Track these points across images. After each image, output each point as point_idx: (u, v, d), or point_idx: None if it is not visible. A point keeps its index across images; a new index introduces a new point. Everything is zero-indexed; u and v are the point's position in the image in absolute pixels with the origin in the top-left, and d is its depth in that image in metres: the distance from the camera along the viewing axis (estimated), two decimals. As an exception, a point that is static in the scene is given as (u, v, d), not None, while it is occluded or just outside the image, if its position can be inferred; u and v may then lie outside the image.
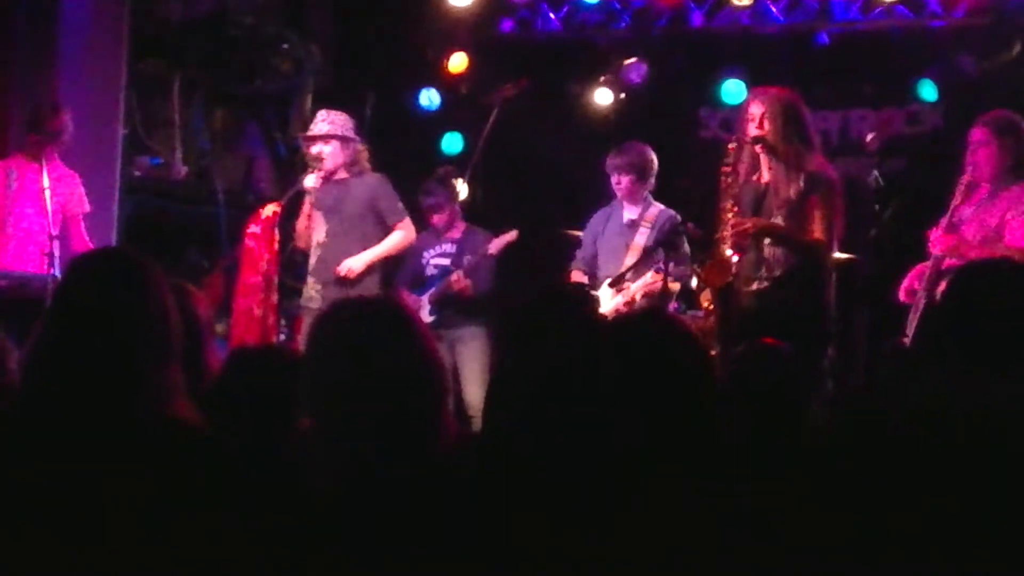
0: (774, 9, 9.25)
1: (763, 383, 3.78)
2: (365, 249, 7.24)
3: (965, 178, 5.97)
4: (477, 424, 3.65)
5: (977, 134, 5.96)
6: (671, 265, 6.74)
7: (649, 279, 6.89)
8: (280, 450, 3.39)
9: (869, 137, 6.57)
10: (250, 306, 7.02)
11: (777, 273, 5.90)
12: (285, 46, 9.37)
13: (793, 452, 2.13)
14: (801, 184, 5.87)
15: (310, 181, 7.24)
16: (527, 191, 9.61)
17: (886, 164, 6.92)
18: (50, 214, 6.86)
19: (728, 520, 2.08)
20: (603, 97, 9.55)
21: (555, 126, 9.58)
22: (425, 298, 7.75)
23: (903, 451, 2.07)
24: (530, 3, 9.82)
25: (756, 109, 5.99)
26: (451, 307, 7.73)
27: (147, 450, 2.37)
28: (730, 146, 6.08)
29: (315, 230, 7.30)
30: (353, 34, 10.02)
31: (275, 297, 7.04)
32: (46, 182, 6.92)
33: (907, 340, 5.98)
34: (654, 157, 7.31)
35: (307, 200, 7.31)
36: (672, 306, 7.10)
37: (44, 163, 6.96)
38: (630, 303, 7.05)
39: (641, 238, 7.13)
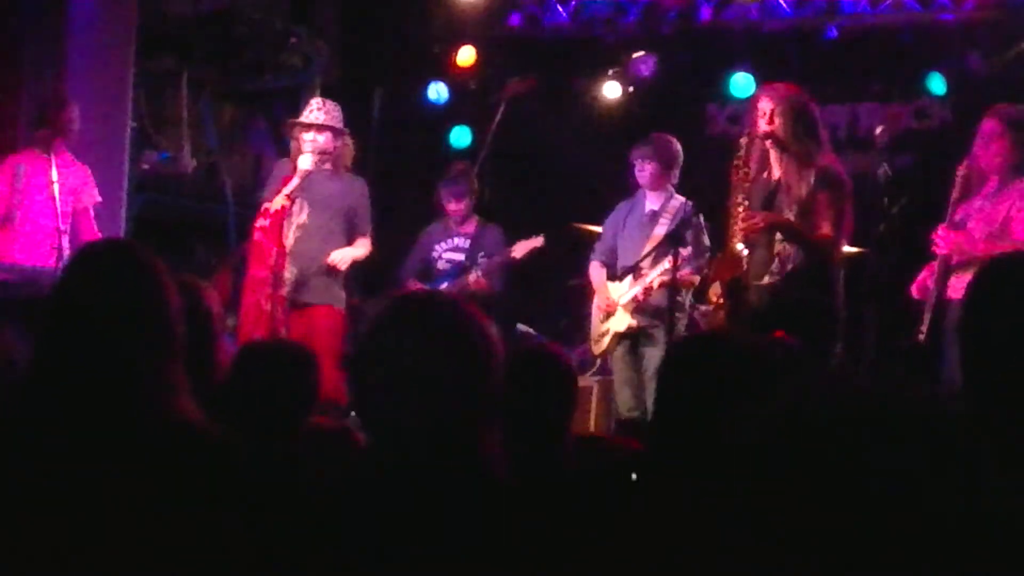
0: (783, 3, 9.24)
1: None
2: (332, 245, 7.20)
3: (962, 169, 5.94)
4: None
5: (989, 125, 5.91)
6: (686, 252, 6.75)
7: (666, 266, 6.89)
8: (289, 445, 3.39)
9: (877, 131, 6.55)
10: (258, 300, 7.00)
11: (787, 268, 5.89)
12: (293, 42, 9.38)
13: (793, 452, 2.12)
14: (812, 181, 5.86)
15: (306, 162, 7.10)
16: (535, 185, 9.61)
17: (894, 159, 6.90)
18: (59, 208, 6.88)
19: (728, 520, 2.06)
20: (611, 91, 9.54)
21: (563, 120, 9.58)
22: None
23: (903, 451, 2.06)
24: (538, -3, 9.83)
25: (765, 105, 5.98)
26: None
27: (148, 448, 2.35)
28: (741, 140, 6.08)
29: (295, 213, 7.14)
30: (360, 29, 10.03)
31: (283, 291, 7.03)
32: (55, 176, 6.93)
33: (922, 337, 5.96)
34: (679, 149, 7.30)
35: (296, 182, 7.09)
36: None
37: (53, 157, 6.98)
38: (648, 291, 7.05)
39: (661, 229, 7.10)
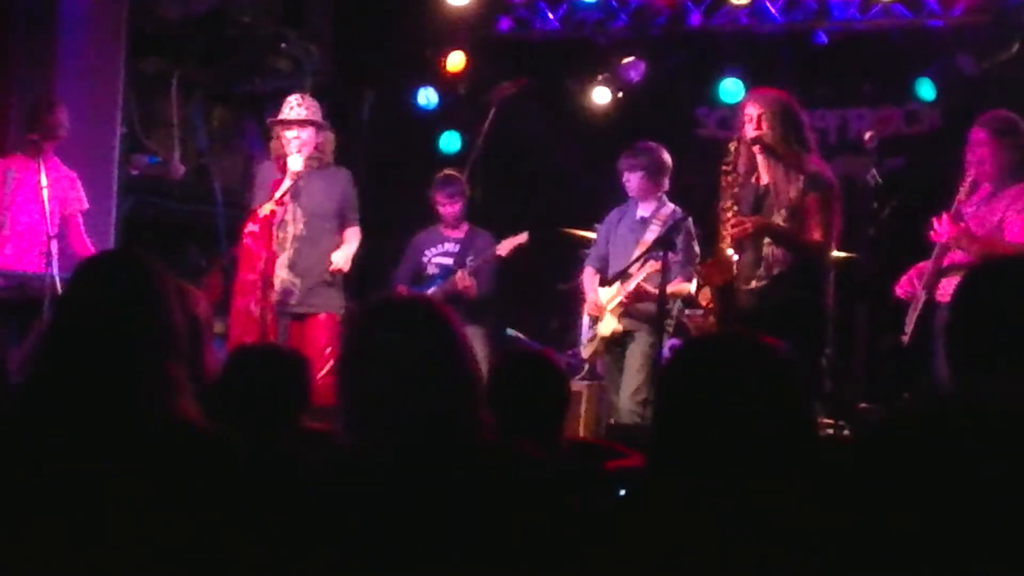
0: (772, 8, 9.26)
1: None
2: (333, 244, 7.21)
3: (969, 177, 5.97)
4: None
5: (977, 135, 5.96)
6: (677, 257, 6.76)
7: (650, 268, 6.89)
8: (281, 448, 3.39)
9: (867, 136, 6.56)
10: (248, 305, 6.99)
11: (776, 272, 5.90)
12: (284, 45, 9.37)
13: (793, 452, 2.12)
14: (800, 185, 5.88)
15: (296, 163, 7.04)
16: (525, 190, 9.62)
17: (884, 163, 6.91)
18: (48, 213, 6.86)
19: (728, 520, 2.08)
20: (601, 96, 9.55)
21: (553, 125, 9.59)
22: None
23: (903, 450, 2.07)
24: (528, 2, 9.83)
25: (753, 110, 5.99)
26: (452, 306, 7.70)
27: (150, 448, 2.37)
28: (731, 145, 6.09)
29: (290, 222, 7.12)
30: (351, 33, 10.02)
31: (273, 295, 7.01)
32: (44, 181, 6.91)
33: (906, 338, 5.99)
34: (667, 157, 7.27)
35: (288, 184, 7.04)
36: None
37: (42, 162, 6.96)
38: (631, 294, 7.06)
39: (651, 235, 7.09)
